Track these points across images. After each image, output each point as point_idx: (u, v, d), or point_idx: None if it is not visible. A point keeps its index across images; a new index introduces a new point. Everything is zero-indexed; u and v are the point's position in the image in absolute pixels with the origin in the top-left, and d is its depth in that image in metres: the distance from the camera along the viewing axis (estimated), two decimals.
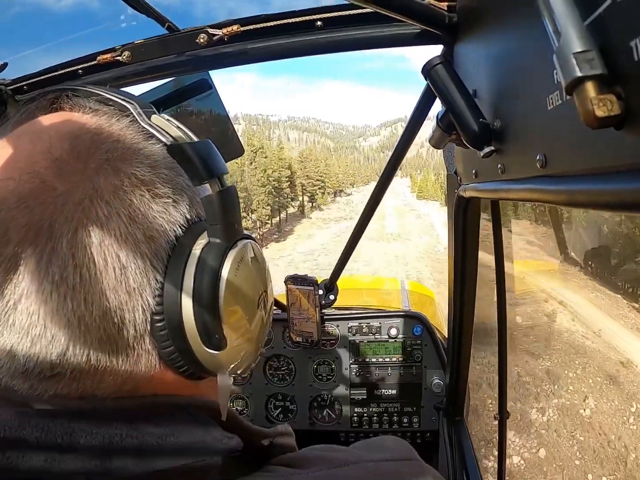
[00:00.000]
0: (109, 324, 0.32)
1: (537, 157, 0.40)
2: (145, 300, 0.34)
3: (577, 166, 0.34)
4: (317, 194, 77.73)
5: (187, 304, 0.34)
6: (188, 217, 0.37)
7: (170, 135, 0.36)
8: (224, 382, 0.38)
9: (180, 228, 0.36)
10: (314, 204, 75.01)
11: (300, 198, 70.52)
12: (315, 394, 1.73)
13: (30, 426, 0.30)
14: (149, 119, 0.37)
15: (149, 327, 0.34)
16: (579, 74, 0.25)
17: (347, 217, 55.70)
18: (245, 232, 0.40)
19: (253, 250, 0.40)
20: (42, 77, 1.00)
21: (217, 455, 0.35)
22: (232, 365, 0.38)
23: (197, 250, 0.35)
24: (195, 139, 0.37)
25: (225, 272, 0.36)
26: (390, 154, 1.24)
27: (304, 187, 74.45)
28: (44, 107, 0.38)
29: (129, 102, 0.38)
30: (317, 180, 78.96)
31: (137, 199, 0.34)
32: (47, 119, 0.37)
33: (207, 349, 0.36)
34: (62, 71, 0.98)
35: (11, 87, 1.02)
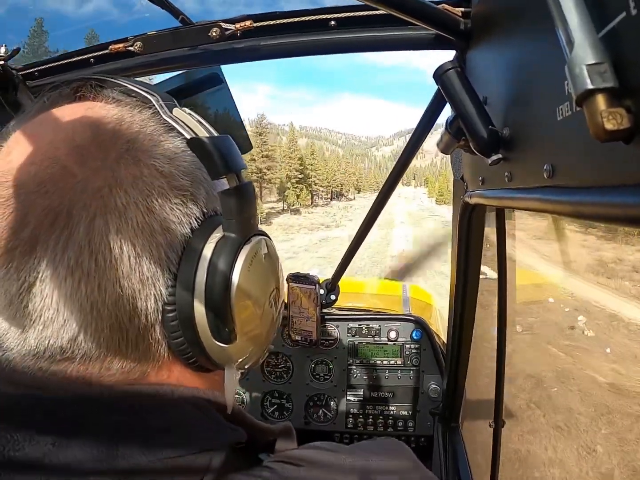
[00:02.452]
0: (121, 312, 0.32)
1: (545, 167, 0.39)
2: (158, 290, 0.34)
3: (584, 178, 0.34)
4: (290, 190, 53.40)
5: (199, 296, 0.35)
6: (204, 210, 0.37)
7: (191, 129, 0.37)
8: (231, 376, 0.38)
9: (196, 221, 0.36)
10: (285, 205, 52.41)
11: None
12: (312, 393, 1.73)
13: (39, 410, 0.31)
14: (171, 112, 0.37)
15: (160, 317, 0.35)
16: (590, 86, 0.25)
17: (331, 224, 40.99)
18: None
19: (267, 246, 0.40)
20: (53, 64, 1.00)
21: (221, 446, 0.35)
22: (240, 360, 0.39)
23: (211, 243, 0.36)
24: (215, 134, 0.38)
25: (238, 266, 0.36)
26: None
27: (262, 175, 50.39)
28: (68, 95, 0.38)
29: (151, 94, 0.38)
30: (295, 170, 54.85)
31: (156, 190, 0.34)
32: (71, 108, 0.37)
33: (217, 342, 0.36)
34: (74, 59, 0.98)
35: (22, 73, 1.02)
